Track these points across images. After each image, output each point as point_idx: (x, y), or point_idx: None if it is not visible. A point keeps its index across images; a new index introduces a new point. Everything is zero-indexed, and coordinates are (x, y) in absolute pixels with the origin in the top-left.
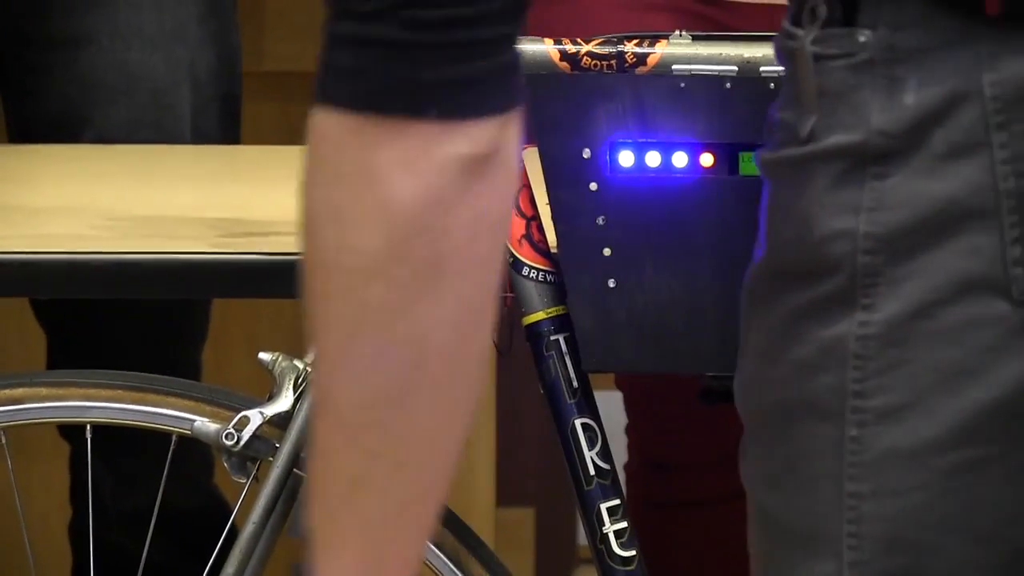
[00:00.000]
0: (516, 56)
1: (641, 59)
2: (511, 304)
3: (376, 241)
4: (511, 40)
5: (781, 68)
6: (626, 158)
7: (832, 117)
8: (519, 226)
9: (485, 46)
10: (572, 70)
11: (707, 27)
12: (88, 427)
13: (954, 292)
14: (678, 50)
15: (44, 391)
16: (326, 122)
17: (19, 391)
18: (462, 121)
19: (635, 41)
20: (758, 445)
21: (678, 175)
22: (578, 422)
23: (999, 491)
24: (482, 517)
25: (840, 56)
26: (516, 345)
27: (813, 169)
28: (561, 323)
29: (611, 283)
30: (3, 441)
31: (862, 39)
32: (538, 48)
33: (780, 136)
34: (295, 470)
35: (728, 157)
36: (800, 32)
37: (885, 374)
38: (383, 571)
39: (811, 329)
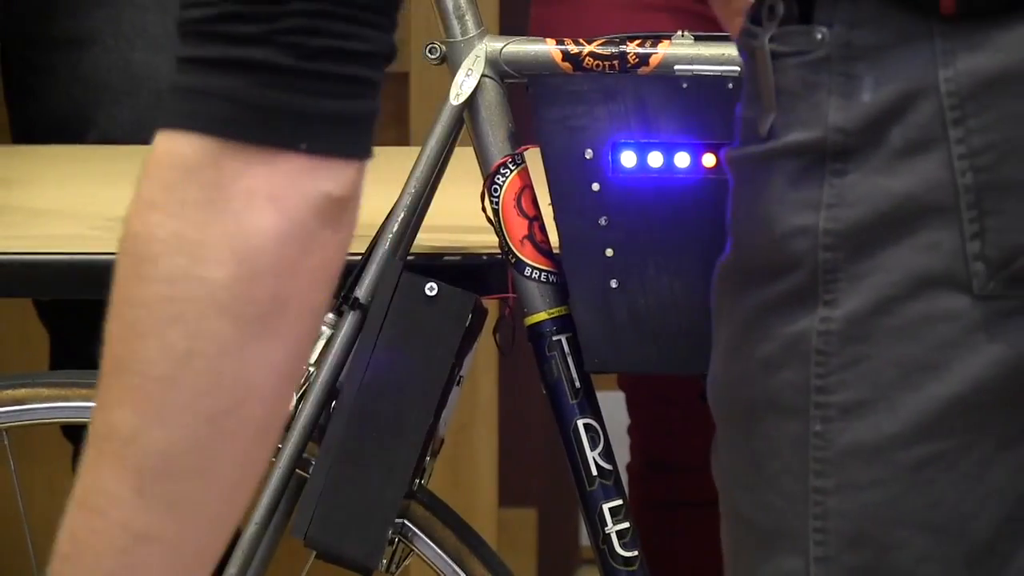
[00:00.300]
0: (378, 106)
1: (643, 59)
2: (514, 304)
3: (223, 273)
4: (379, 86)
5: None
6: (628, 158)
7: (790, 114)
8: (521, 226)
9: (362, 85)
10: (574, 70)
11: (709, 27)
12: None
13: (913, 288)
14: (680, 50)
15: (46, 391)
16: (178, 145)
17: (21, 392)
18: (330, 159)
19: (637, 42)
20: (726, 443)
21: (680, 175)
22: (580, 422)
23: (961, 486)
24: (485, 517)
25: (797, 54)
26: (518, 346)
27: (773, 166)
28: (563, 323)
29: (613, 283)
30: (6, 442)
31: (819, 36)
32: (540, 48)
33: (743, 133)
34: (297, 471)
35: None
36: (759, 30)
37: (847, 370)
38: None
39: (774, 326)
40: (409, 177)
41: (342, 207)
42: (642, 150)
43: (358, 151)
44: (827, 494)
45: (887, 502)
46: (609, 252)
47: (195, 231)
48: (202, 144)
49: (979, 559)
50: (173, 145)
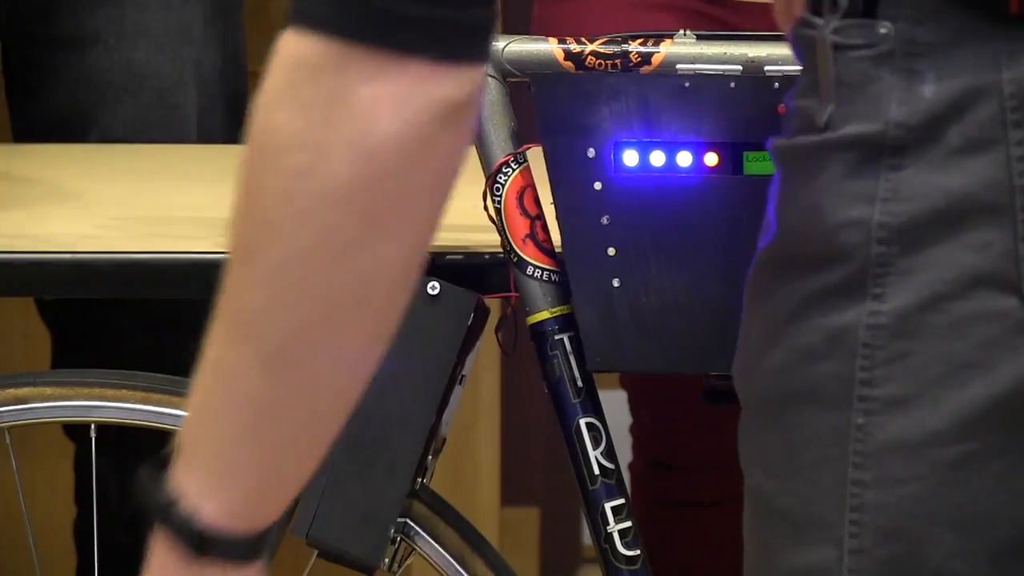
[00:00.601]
0: (496, 12)
1: (645, 58)
2: (516, 303)
3: (347, 172)
4: None
5: (786, 66)
6: (630, 157)
7: (850, 107)
8: (523, 225)
9: None
10: (576, 69)
11: (711, 26)
12: (93, 427)
13: (963, 286)
14: (682, 49)
15: (49, 391)
16: (303, 45)
17: (24, 391)
18: (452, 66)
19: (639, 40)
20: (757, 429)
21: (682, 175)
22: (583, 421)
23: (990, 486)
24: (487, 516)
25: (860, 47)
26: (521, 344)
27: (828, 157)
28: (566, 322)
29: (615, 283)
30: (8, 441)
31: (882, 31)
32: (542, 47)
33: (796, 123)
34: None
35: (732, 156)
36: (819, 21)
37: (893, 364)
38: (272, 496)
39: (817, 317)
40: None
41: (462, 111)
42: (644, 149)
43: (479, 55)
44: (865, 487)
45: (923, 498)
46: (611, 251)
47: (318, 131)
48: (327, 46)
49: (1004, 560)
50: (299, 45)
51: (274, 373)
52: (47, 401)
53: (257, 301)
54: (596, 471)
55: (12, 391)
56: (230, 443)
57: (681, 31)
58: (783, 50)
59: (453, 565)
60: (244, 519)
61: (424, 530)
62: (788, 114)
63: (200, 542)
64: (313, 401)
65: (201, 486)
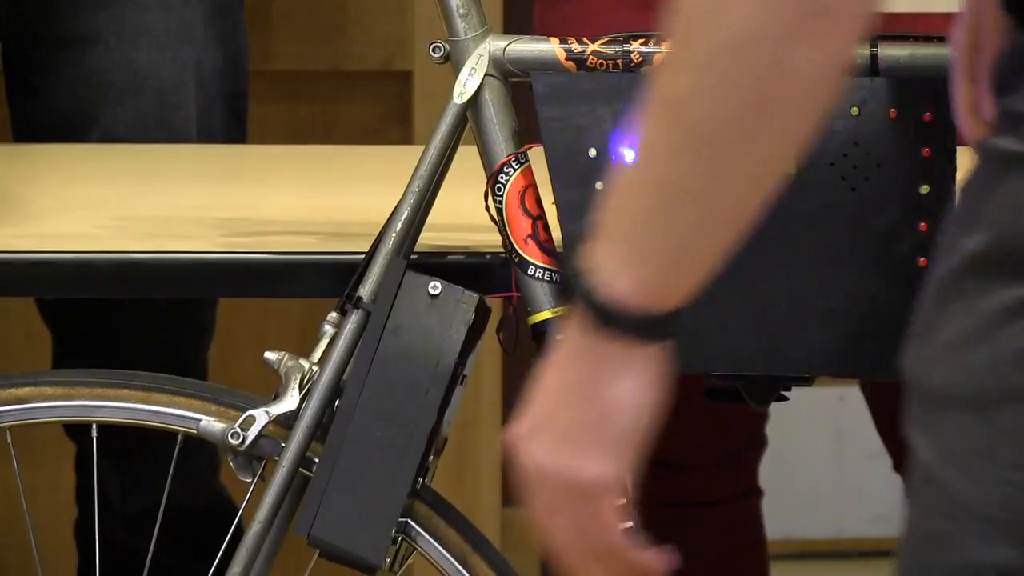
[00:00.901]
0: None
1: (647, 58)
2: (517, 303)
3: None
4: None
5: None
6: (632, 158)
7: None
8: (525, 225)
9: None
10: (578, 69)
11: None
12: (94, 426)
13: None
14: None
15: (49, 390)
16: None
17: (24, 390)
18: None
19: (641, 40)
20: (944, 421)
21: None
22: None
23: None
24: (488, 516)
25: None
26: (522, 345)
27: None
28: None
29: None
30: (9, 441)
31: None
32: (544, 48)
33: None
34: (301, 469)
35: None
36: None
37: None
38: (678, 278)
39: None
40: (412, 176)
41: None
42: None
43: None
44: None
45: None
46: None
47: None
48: None
49: None
50: None
51: (691, 157)
52: (48, 401)
53: (683, 86)
54: None
55: (13, 391)
56: (643, 222)
57: None
58: None
59: (454, 565)
60: (650, 297)
61: (425, 530)
62: (1012, 117)
63: (604, 314)
64: (726, 190)
65: (614, 261)
